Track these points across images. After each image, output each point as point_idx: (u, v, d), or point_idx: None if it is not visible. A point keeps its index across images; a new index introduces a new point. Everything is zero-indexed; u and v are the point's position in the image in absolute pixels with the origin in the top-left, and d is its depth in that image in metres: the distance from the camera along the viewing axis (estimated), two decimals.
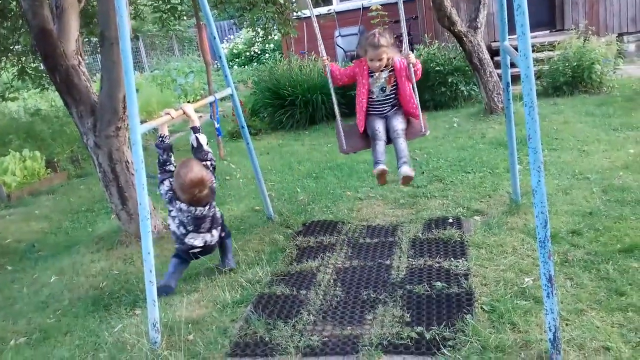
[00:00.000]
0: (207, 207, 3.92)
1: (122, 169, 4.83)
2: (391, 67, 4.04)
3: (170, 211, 3.95)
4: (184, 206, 3.85)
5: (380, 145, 4.04)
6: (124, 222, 5.05)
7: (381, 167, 3.95)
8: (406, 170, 3.86)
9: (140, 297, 3.92)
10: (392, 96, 4.14)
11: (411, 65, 3.92)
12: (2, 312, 4.18)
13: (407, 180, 3.94)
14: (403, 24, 3.88)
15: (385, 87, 4.10)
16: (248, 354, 3.05)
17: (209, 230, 4.00)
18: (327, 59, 4.12)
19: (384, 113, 4.18)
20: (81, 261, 4.82)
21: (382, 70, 4.04)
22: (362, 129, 4.16)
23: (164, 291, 3.86)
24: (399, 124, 4.07)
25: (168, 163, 3.94)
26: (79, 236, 5.63)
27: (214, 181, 3.96)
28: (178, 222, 3.91)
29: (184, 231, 3.92)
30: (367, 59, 4.00)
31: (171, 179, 3.90)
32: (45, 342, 3.61)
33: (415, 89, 4.02)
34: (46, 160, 8.52)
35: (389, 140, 4.10)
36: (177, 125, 10.75)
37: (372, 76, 4.08)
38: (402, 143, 3.99)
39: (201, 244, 3.98)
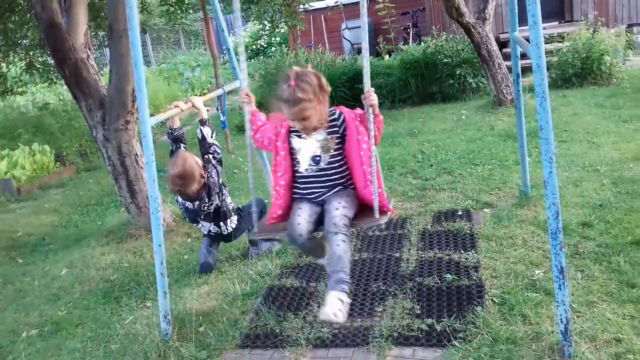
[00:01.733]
0: (198, 202, 3.91)
1: (131, 162, 4.85)
2: (334, 123, 2.85)
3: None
4: (178, 198, 3.99)
5: (304, 247, 2.89)
6: (133, 215, 5.07)
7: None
8: (332, 308, 2.51)
9: (151, 290, 3.95)
10: (331, 171, 2.88)
11: (370, 110, 2.67)
12: (14, 305, 4.21)
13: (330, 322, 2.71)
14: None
15: (320, 157, 2.85)
16: (259, 346, 3.06)
17: (213, 221, 4.03)
18: (248, 95, 3.02)
19: (316, 198, 2.92)
20: (91, 254, 4.85)
21: (316, 130, 2.82)
22: (278, 217, 3.01)
23: (204, 269, 4.04)
24: (340, 207, 2.78)
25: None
26: (88, 229, 5.66)
27: (213, 175, 3.92)
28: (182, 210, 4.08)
29: (187, 218, 4.13)
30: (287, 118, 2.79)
31: None
32: (57, 334, 3.64)
33: (376, 162, 2.75)
34: (55, 154, 8.58)
35: (320, 223, 2.88)
36: (184, 120, 10.75)
37: (298, 136, 2.87)
38: (340, 244, 2.67)
39: (206, 232, 4.11)
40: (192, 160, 3.82)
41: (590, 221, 3.89)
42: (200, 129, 4.02)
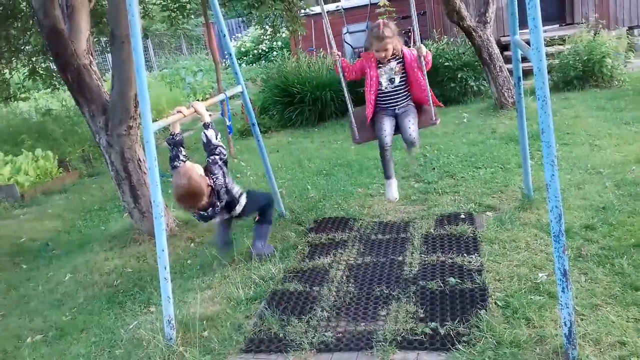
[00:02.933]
0: (211, 209, 3.87)
1: (134, 167, 4.86)
2: (399, 57, 4.06)
3: None
4: (182, 207, 4.02)
5: (386, 154, 4.12)
6: (136, 220, 5.08)
7: (392, 181, 4.28)
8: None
9: (154, 294, 3.95)
10: (401, 87, 4.13)
11: (422, 57, 3.92)
12: (18, 310, 4.22)
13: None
14: (414, 17, 3.80)
15: (394, 78, 4.10)
16: (263, 350, 3.07)
17: (225, 209, 4.04)
18: (339, 54, 4.12)
19: (394, 108, 4.16)
20: (95, 259, 4.86)
21: (389, 61, 4.06)
22: (369, 119, 4.18)
23: (225, 249, 4.27)
24: (411, 125, 4.04)
25: (177, 159, 3.96)
26: (92, 235, 5.67)
27: (219, 177, 3.86)
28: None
29: (201, 221, 4.09)
30: (373, 50, 4.01)
31: None
32: (61, 339, 3.65)
33: (426, 79, 4.04)
34: (58, 159, 8.59)
35: (397, 130, 4.14)
36: (187, 125, 10.78)
37: (380, 68, 4.09)
38: (414, 152, 4.33)
39: (220, 220, 4.16)
40: (195, 175, 3.65)
41: (593, 224, 3.89)
42: (205, 133, 4.00)
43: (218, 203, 3.88)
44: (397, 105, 4.16)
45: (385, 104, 4.18)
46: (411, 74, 4.08)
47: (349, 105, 4.22)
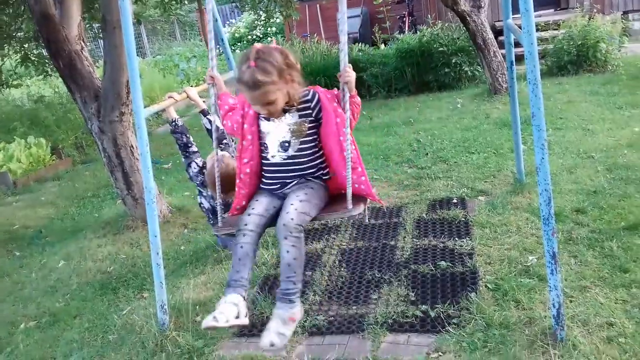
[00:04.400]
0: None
1: (126, 153, 4.85)
2: (307, 105, 2.54)
3: (200, 192, 4.01)
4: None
5: (243, 242, 2.44)
6: (129, 207, 5.08)
7: (232, 297, 2.37)
8: (269, 336, 2.31)
9: (148, 280, 3.96)
10: (301, 159, 2.59)
11: (346, 89, 2.44)
12: (11, 297, 4.23)
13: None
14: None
15: (290, 142, 2.56)
16: (255, 334, 3.08)
17: None
18: (213, 78, 2.82)
19: (282, 188, 2.63)
20: (88, 246, 4.87)
21: (286, 112, 2.53)
22: (242, 206, 2.75)
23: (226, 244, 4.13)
24: (297, 202, 2.46)
25: (190, 145, 3.95)
26: (85, 221, 5.67)
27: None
28: (209, 206, 3.99)
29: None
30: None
31: (197, 160, 3.91)
32: (54, 325, 3.66)
33: (350, 147, 2.51)
34: (51, 147, 8.56)
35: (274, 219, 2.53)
36: (182, 111, 10.74)
37: (268, 120, 2.57)
38: (290, 252, 2.35)
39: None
40: (234, 162, 3.46)
41: (584, 207, 3.91)
42: (208, 119, 3.93)
43: None
44: (290, 183, 2.62)
45: (269, 181, 2.66)
46: (329, 137, 2.55)
47: (219, 210, 2.92)
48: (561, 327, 2.57)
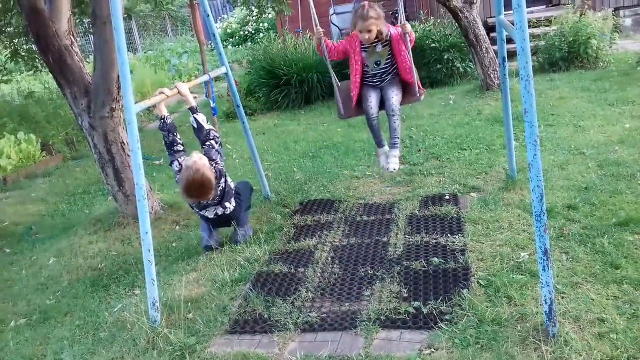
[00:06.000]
0: (212, 197, 3.88)
1: (117, 150, 4.82)
2: (386, 39, 3.97)
3: None
4: (189, 200, 3.93)
5: (373, 123, 4.11)
6: (120, 204, 5.05)
7: (385, 149, 4.22)
8: (393, 164, 4.09)
9: (139, 277, 3.94)
10: (387, 69, 4.09)
11: (407, 34, 3.88)
12: (1, 294, 4.20)
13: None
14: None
15: (380, 61, 4.05)
16: (247, 331, 3.08)
17: (219, 203, 4.03)
18: (322, 31, 4.00)
19: (379, 84, 4.15)
20: (79, 243, 4.83)
21: (374, 44, 3.98)
22: (355, 101, 4.15)
23: (207, 250, 4.12)
24: (394, 96, 4.04)
25: (175, 144, 3.93)
26: (76, 218, 5.63)
27: (218, 161, 3.89)
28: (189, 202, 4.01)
29: (195, 209, 4.08)
30: (357, 30, 3.94)
31: (180, 159, 3.89)
32: (45, 322, 3.64)
33: (411, 59, 4.01)
34: (41, 143, 8.49)
35: (382, 106, 4.13)
36: (171, 107, 10.68)
37: (365, 50, 4.02)
38: (396, 121, 4.03)
39: (212, 216, 4.07)
40: (207, 170, 3.67)
41: (576, 204, 3.93)
42: (195, 118, 3.95)
43: (222, 180, 3.95)
44: (383, 82, 4.14)
45: (371, 83, 4.17)
46: (397, 54, 4.02)
47: (334, 81, 4.21)
48: (553, 323, 2.58)
